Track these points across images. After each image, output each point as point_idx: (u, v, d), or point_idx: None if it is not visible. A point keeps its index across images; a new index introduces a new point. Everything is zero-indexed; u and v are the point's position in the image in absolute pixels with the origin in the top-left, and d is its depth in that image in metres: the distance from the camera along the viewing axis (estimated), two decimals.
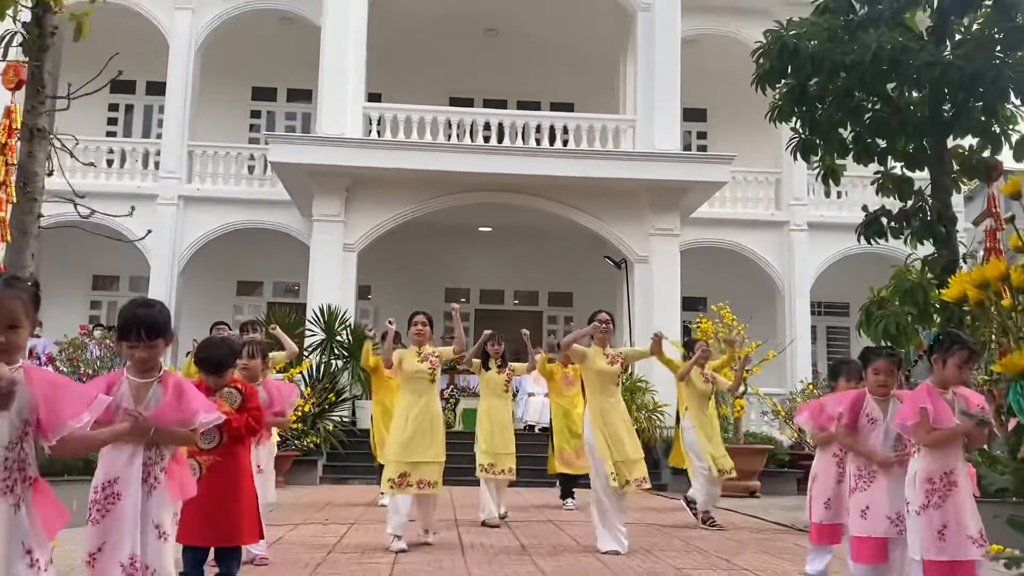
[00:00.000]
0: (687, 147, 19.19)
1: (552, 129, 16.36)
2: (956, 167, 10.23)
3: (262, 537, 5.25)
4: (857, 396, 5.13)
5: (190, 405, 3.53)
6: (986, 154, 10.06)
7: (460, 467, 10.11)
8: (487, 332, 9.27)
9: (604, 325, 7.41)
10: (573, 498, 10.17)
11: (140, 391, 3.53)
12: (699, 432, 9.05)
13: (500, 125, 16.40)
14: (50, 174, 8.54)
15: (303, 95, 19.75)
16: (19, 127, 8.24)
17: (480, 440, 9.00)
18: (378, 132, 16.02)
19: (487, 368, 9.11)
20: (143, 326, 3.44)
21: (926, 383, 4.42)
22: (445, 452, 7.21)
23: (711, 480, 8.92)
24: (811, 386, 15.54)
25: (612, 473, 6.89)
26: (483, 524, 8.49)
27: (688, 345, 9.71)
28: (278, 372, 8.53)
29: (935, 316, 8.85)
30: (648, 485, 7.30)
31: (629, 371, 14.07)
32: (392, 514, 6.84)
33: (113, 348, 11.91)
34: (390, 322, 7.58)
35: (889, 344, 8.24)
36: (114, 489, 3.45)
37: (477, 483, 9.02)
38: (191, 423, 3.54)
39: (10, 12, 7.84)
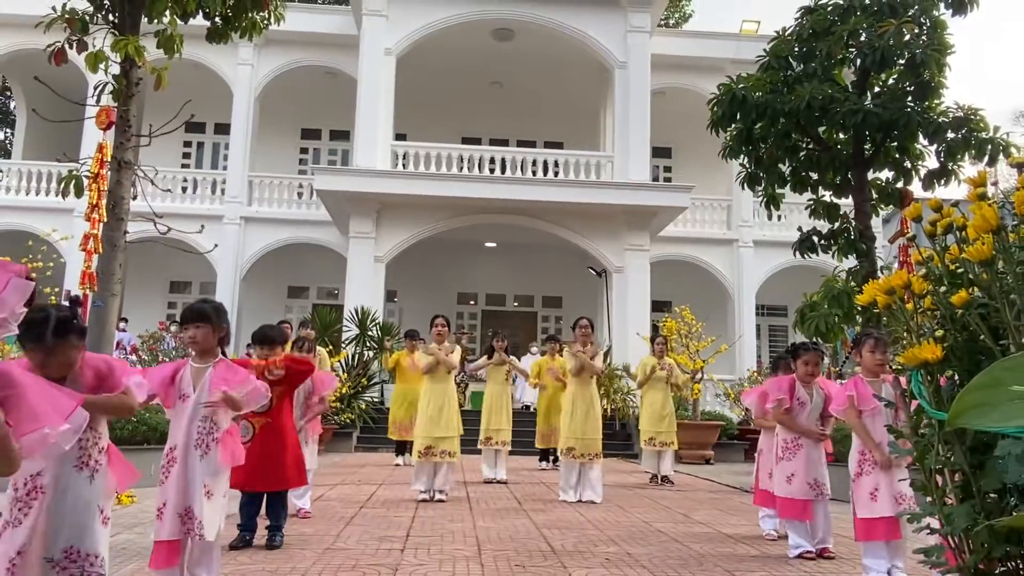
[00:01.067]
0: (655, 178, 19.23)
1: (545, 163, 16.41)
2: (875, 195, 10.26)
3: (305, 483, 5.28)
4: (790, 382, 5.15)
5: (236, 374, 3.57)
6: (899, 184, 10.09)
7: (469, 439, 10.15)
8: (492, 332, 9.41)
9: (584, 330, 7.49)
10: (548, 461, 10.38)
11: (198, 375, 3.57)
12: (645, 412, 9.22)
13: (503, 160, 16.46)
14: (134, 198, 8.55)
15: (342, 135, 19.76)
16: (109, 160, 8.26)
17: (482, 418, 9.12)
18: (403, 165, 16.03)
19: (491, 359, 9.23)
20: (191, 312, 3.64)
21: (856, 375, 4.45)
22: (461, 427, 7.35)
23: (650, 452, 9.19)
24: (756, 373, 15.56)
25: (571, 448, 7.27)
26: (485, 482, 8.72)
27: (653, 339, 9.81)
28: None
29: (857, 317, 8.85)
30: (600, 460, 7.43)
31: (608, 361, 14.08)
32: (416, 479, 7.11)
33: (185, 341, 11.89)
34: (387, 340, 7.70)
35: (817, 340, 8.24)
36: (173, 455, 3.49)
37: (480, 452, 9.26)
38: (243, 388, 3.56)
39: (102, 66, 7.86)
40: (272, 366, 4.68)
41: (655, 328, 15.16)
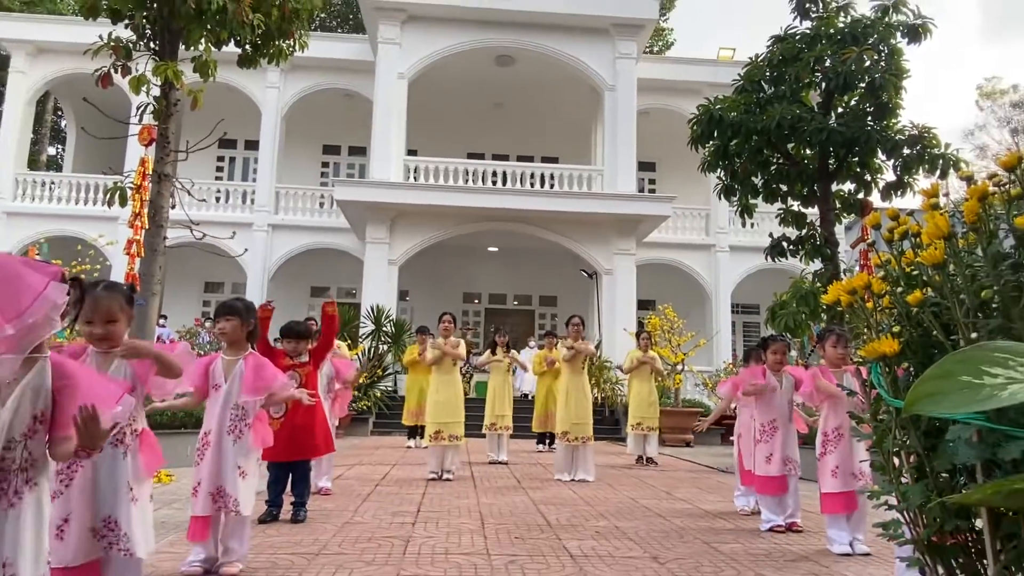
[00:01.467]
0: (641, 190, 19.21)
1: (542, 176, 16.39)
2: (838, 205, 10.24)
3: (333, 450, 5.29)
4: (762, 371, 5.17)
5: (265, 375, 3.56)
6: (860, 195, 10.08)
7: (475, 425, 10.16)
8: (494, 328, 9.43)
9: (575, 327, 7.52)
10: (545, 444, 10.39)
11: (229, 366, 3.56)
12: (633, 400, 9.27)
13: (504, 173, 16.42)
14: (173, 207, 8.55)
15: (360, 150, 19.76)
16: (151, 173, 8.26)
17: (487, 405, 9.12)
18: (414, 178, 16.02)
19: (495, 354, 9.21)
20: (223, 307, 3.68)
21: (820, 366, 4.46)
22: (463, 414, 7.35)
23: (637, 436, 9.22)
24: (731, 365, 15.54)
25: (565, 432, 7.27)
26: (490, 463, 8.71)
27: (638, 335, 9.82)
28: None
29: (822, 315, 8.84)
30: (592, 442, 7.44)
31: (599, 355, 14.09)
32: (430, 459, 7.16)
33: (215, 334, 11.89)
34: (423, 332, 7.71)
35: (786, 335, 8.24)
36: (207, 439, 3.49)
37: (484, 436, 9.23)
38: (268, 389, 3.57)
39: (144, 88, 7.86)
40: (298, 368, 4.71)
41: (640, 324, 15.18)
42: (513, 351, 9.44)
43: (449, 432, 7.04)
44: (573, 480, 7.19)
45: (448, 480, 6.98)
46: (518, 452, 10.09)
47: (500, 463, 8.70)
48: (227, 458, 3.43)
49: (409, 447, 10.39)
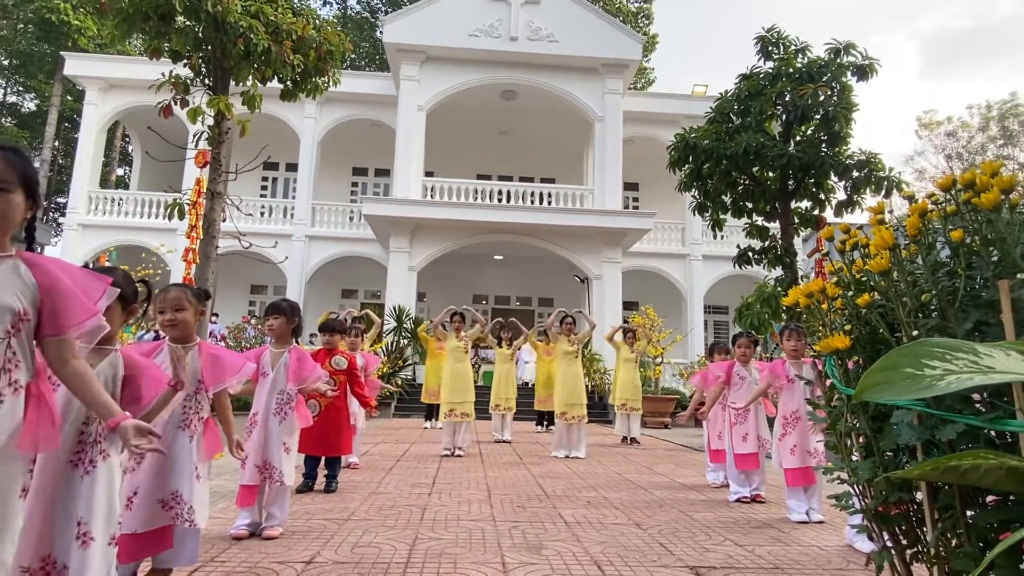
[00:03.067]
0: (626, 206, 19.18)
1: (541, 194, 16.35)
2: (796, 220, 10.23)
3: (351, 452, 5.27)
4: (729, 364, 5.14)
5: (305, 366, 3.56)
6: (816, 212, 10.06)
7: (482, 407, 10.15)
8: (499, 320, 9.39)
9: (568, 327, 7.52)
10: (543, 426, 10.34)
11: (275, 358, 3.57)
12: (618, 384, 9.24)
13: (508, 192, 16.39)
14: (224, 220, 8.56)
15: (384, 172, 19.76)
16: (205, 191, 8.28)
17: (492, 389, 9.11)
18: (431, 195, 16.01)
19: (500, 345, 9.18)
20: (272, 306, 3.68)
21: (780, 358, 4.44)
22: (474, 396, 7.39)
23: (622, 416, 9.20)
24: (703, 358, 15.50)
25: (563, 412, 7.29)
26: (496, 441, 8.68)
27: (625, 331, 9.77)
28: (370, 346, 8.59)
29: (783, 315, 8.82)
30: (586, 421, 7.43)
31: (589, 347, 14.06)
32: (444, 437, 7.16)
33: (262, 330, 11.90)
34: (452, 313, 7.71)
35: (751, 332, 8.22)
36: (255, 420, 3.49)
37: (491, 418, 9.18)
38: (309, 380, 3.57)
39: (200, 118, 7.88)
40: (333, 376, 4.69)
41: (625, 321, 15.17)
42: (516, 342, 9.40)
43: (461, 410, 7.09)
44: (568, 457, 7.18)
45: (459, 456, 6.97)
46: (520, 432, 10.07)
47: (504, 442, 8.66)
48: (272, 435, 3.44)
49: (425, 428, 10.36)
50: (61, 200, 25.82)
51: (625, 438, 9.11)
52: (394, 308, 14.72)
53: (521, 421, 11.37)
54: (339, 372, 4.75)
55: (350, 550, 3.17)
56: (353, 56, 28.19)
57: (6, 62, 27.45)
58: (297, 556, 3.04)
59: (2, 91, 28.74)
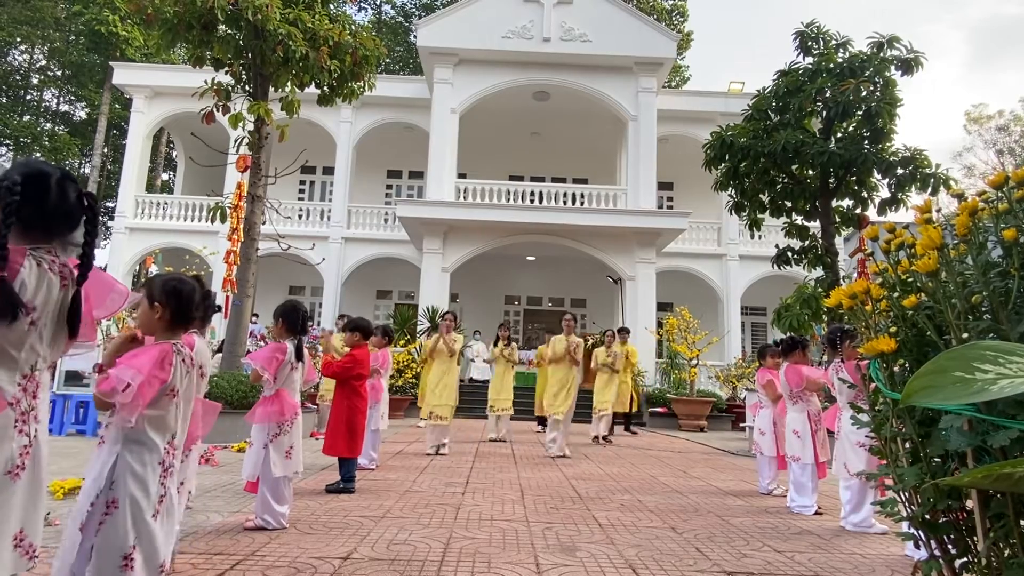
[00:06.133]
0: (660, 206, 18.93)
1: (574, 195, 16.28)
2: (838, 219, 9.97)
3: (357, 454, 4.84)
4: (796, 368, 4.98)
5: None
6: (858, 211, 9.79)
7: (480, 407, 10.16)
8: (500, 324, 9.39)
9: (567, 324, 7.58)
10: (543, 425, 10.24)
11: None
12: (595, 388, 9.32)
13: (540, 193, 16.37)
14: (264, 223, 8.78)
15: (418, 174, 19.97)
16: (245, 195, 8.50)
17: (490, 390, 9.15)
18: (464, 197, 16.11)
19: (496, 345, 9.14)
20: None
21: (836, 362, 4.23)
22: (456, 399, 7.47)
23: (595, 418, 9.23)
24: (740, 361, 15.21)
25: (553, 414, 7.40)
26: (490, 441, 8.70)
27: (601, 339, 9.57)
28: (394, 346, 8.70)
29: (823, 316, 8.61)
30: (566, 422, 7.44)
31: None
32: (428, 436, 7.23)
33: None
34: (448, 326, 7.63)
35: (791, 335, 8.04)
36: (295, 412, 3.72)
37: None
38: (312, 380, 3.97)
39: (241, 124, 8.09)
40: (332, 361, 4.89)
41: (660, 324, 14.99)
42: (513, 344, 9.36)
43: (438, 413, 7.13)
44: (563, 456, 7.20)
45: (443, 455, 6.96)
46: (520, 431, 10.04)
47: (499, 440, 8.61)
48: (305, 427, 3.68)
49: (422, 422, 10.34)
50: (110, 204, 26.86)
51: (596, 437, 9.18)
52: (427, 308, 14.86)
53: (522, 420, 11.33)
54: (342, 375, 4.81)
55: (386, 547, 3.22)
56: (388, 60, 28.58)
57: (59, 73, 28.70)
58: (334, 552, 3.10)
59: (56, 100, 30.06)
